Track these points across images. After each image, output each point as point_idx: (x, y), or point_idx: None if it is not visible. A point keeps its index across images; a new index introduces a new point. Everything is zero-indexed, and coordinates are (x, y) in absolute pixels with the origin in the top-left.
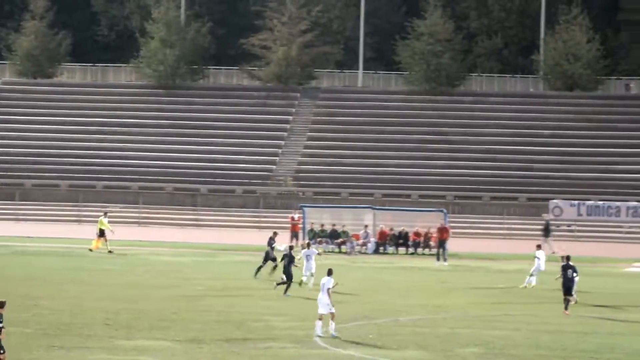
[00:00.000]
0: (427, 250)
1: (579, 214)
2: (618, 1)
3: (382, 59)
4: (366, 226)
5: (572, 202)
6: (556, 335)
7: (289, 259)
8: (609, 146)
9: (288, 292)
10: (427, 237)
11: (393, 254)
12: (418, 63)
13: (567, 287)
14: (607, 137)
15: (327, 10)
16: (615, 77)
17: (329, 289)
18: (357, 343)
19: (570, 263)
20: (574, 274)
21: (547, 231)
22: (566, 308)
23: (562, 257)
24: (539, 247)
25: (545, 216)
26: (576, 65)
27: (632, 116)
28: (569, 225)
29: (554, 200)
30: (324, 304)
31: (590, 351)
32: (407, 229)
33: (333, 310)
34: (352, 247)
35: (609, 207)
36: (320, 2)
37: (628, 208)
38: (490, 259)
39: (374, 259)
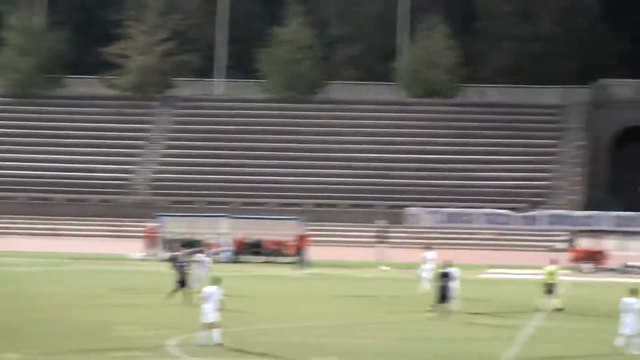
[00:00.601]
0: (282, 259)
1: (437, 222)
2: (476, 9)
3: (243, 67)
4: (221, 234)
5: (430, 209)
6: (416, 343)
7: (180, 264)
8: (466, 153)
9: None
10: (283, 245)
11: (248, 262)
12: (277, 70)
13: (442, 294)
14: (465, 145)
15: (187, 17)
16: (473, 85)
17: (217, 299)
18: (208, 353)
19: (449, 270)
20: (450, 282)
21: (381, 238)
22: (434, 312)
23: (443, 264)
24: (427, 248)
25: (379, 223)
26: (435, 72)
27: (489, 123)
28: (426, 233)
29: (412, 208)
30: (209, 313)
31: (447, 357)
32: (262, 237)
33: (216, 320)
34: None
35: (465, 214)
36: (180, 10)
37: (483, 215)
38: (349, 266)
39: (229, 267)
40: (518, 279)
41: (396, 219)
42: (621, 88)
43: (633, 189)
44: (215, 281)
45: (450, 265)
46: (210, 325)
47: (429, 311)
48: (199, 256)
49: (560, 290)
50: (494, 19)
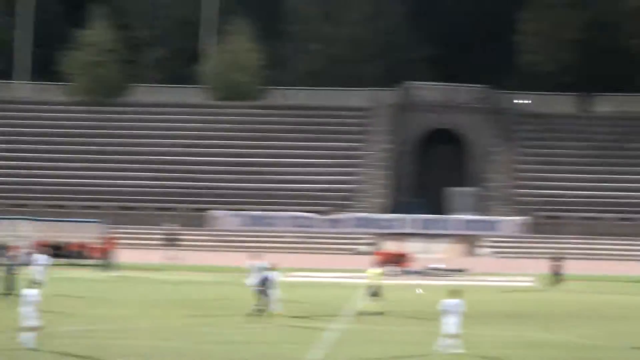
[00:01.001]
0: (85, 261)
1: (240, 224)
2: (281, 12)
3: (45, 69)
4: (21, 237)
5: (234, 212)
6: (220, 346)
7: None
8: (271, 156)
9: None
10: (86, 247)
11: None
12: (81, 73)
13: (260, 298)
14: (269, 147)
15: None
16: (278, 87)
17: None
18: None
19: (270, 274)
20: (271, 285)
21: (171, 241)
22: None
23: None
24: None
25: (167, 226)
26: (240, 75)
27: (294, 126)
28: (230, 236)
29: (216, 211)
30: (31, 316)
31: None
32: (65, 240)
33: (36, 323)
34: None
35: (270, 217)
36: None
37: (287, 218)
38: (155, 269)
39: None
40: (323, 282)
41: (201, 222)
42: (426, 91)
43: (437, 191)
44: (36, 284)
45: (273, 269)
46: (32, 329)
47: (250, 315)
48: (36, 257)
49: (382, 293)
50: (299, 21)
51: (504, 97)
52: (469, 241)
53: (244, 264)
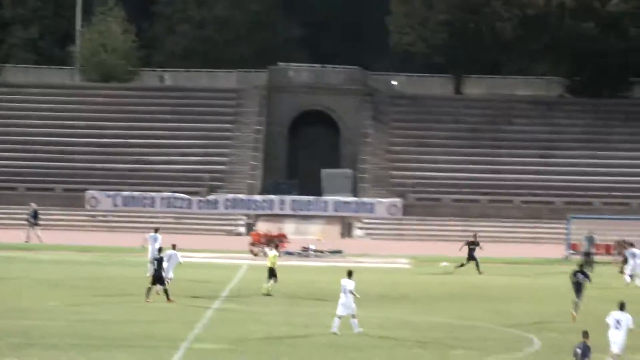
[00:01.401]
0: None
1: (115, 205)
2: None
3: None
4: None
5: (108, 192)
6: (97, 325)
7: None
8: (144, 137)
9: None
10: None
11: None
12: None
13: (158, 277)
14: (142, 129)
15: None
16: (149, 69)
17: None
18: None
19: (169, 253)
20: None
21: (34, 218)
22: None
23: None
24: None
25: (33, 205)
26: (112, 56)
27: (166, 107)
28: (104, 216)
29: (91, 191)
30: None
31: (127, 339)
32: None
33: None
34: None
35: (144, 197)
36: None
37: (162, 199)
38: (28, 249)
39: None
40: (202, 263)
41: (77, 203)
42: (298, 72)
43: (310, 172)
44: None
45: (174, 248)
46: None
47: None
48: None
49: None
50: (169, 3)
51: (377, 79)
52: (344, 223)
53: (144, 242)
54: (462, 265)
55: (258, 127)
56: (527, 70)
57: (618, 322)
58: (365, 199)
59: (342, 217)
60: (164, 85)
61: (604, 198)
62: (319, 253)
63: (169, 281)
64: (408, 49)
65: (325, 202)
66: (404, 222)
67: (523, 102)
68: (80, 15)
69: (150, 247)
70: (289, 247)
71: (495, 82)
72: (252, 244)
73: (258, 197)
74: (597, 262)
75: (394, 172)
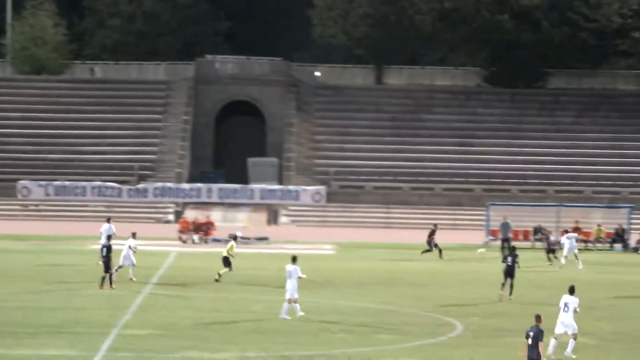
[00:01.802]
0: None
1: (47, 194)
2: None
3: None
4: None
5: (40, 182)
6: (28, 311)
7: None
8: (75, 128)
9: None
10: None
11: None
12: None
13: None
14: (73, 120)
15: None
16: (80, 62)
17: None
18: None
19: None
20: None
21: None
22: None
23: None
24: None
25: None
26: (43, 49)
27: (97, 99)
28: (36, 205)
29: (23, 181)
30: None
31: (55, 325)
32: None
33: None
34: None
35: (76, 187)
36: None
37: (93, 188)
38: None
39: None
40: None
41: (8, 192)
42: (223, 64)
43: (237, 161)
44: None
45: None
46: None
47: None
48: None
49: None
50: None
51: (300, 70)
52: (270, 210)
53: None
54: (429, 251)
55: (186, 118)
56: (446, 61)
57: (566, 305)
58: (291, 187)
59: (268, 205)
60: (94, 78)
61: (520, 185)
62: (245, 240)
63: (117, 269)
64: (330, 41)
65: (252, 190)
66: (328, 209)
67: (442, 91)
68: (11, 8)
69: (103, 237)
70: (216, 234)
71: (415, 73)
72: (181, 232)
73: (186, 186)
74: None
75: (318, 161)
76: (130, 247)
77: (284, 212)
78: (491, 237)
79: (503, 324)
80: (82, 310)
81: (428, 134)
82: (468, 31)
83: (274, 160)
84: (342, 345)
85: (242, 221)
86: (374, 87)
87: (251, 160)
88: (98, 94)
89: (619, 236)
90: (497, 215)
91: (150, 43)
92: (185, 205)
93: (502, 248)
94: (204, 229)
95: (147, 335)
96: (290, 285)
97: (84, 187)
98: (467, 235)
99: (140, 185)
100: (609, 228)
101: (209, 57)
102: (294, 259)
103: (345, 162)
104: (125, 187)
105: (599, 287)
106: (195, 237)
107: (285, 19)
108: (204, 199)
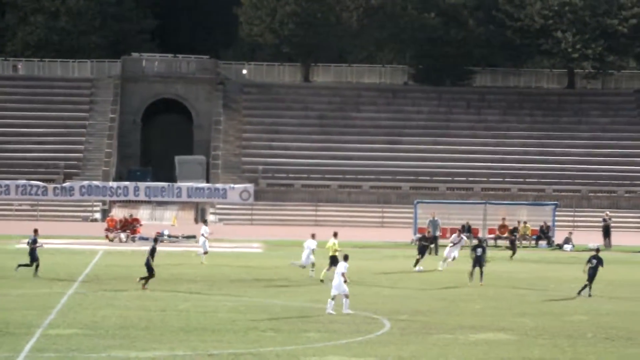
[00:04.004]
0: None
1: None
2: None
3: None
4: None
5: None
6: None
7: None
8: (0, 126)
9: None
10: None
11: None
12: None
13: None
14: None
15: None
16: (3, 58)
17: None
18: None
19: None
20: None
21: None
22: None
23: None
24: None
25: None
26: None
27: (21, 96)
28: None
29: None
30: None
31: None
32: None
33: None
34: None
35: (1, 185)
36: None
37: (17, 186)
38: None
39: None
40: (55, 249)
41: None
42: (150, 62)
43: (164, 159)
44: None
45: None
46: None
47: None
48: None
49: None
50: None
51: (227, 68)
52: (197, 208)
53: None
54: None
55: (112, 116)
56: (373, 59)
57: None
58: (218, 185)
59: (196, 203)
60: (17, 75)
61: (448, 183)
62: (173, 238)
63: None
64: (257, 39)
65: (179, 188)
66: (256, 207)
67: (369, 89)
68: None
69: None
70: (143, 232)
71: (342, 71)
72: (108, 230)
73: (113, 184)
74: (442, 246)
75: (246, 159)
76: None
77: (211, 210)
78: (419, 235)
79: (431, 321)
80: (7, 311)
81: (356, 131)
82: (395, 29)
83: (201, 158)
84: (271, 344)
85: (170, 219)
86: (301, 85)
87: (178, 159)
88: (22, 91)
89: (544, 233)
90: (425, 213)
91: (75, 40)
92: (112, 203)
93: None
94: (130, 227)
95: (73, 335)
96: (337, 282)
97: (7, 186)
98: (395, 233)
99: (67, 184)
100: (535, 225)
101: (135, 55)
102: (345, 258)
103: (273, 160)
104: (51, 186)
105: (522, 284)
106: (122, 235)
107: (213, 17)
108: (131, 197)
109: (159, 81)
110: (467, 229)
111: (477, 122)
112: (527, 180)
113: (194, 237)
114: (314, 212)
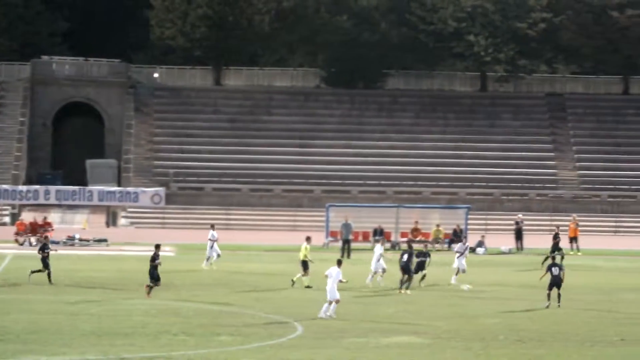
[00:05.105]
0: None
1: None
2: None
3: None
4: None
5: None
6: None
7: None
8: None
9: None
10: None
11: None
12: None
13: None
14: None
15: None
16: None
17: None
18: None
19: None
20: None
21: None
22: None
23: None
24: None
25: None
26: None
27: None
28: None
29: None
30: None
31: None
32: None
33: None
34: None
35: None
36: None
37: None
38: None
39: None
40: None
41: None
42: (61, 65)
43: (75, 162)
44: None
45: None
46: None
47: None
48: None
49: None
50: None
51: (139, 71)
52: (109, 212)
53: None
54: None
55: (22, 119)
56: (285, 62)
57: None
58: (129, 189)
59: (107, 207)
60: None
61: (360, 186)
62: (84, 242)
63: None
64: (169, 43)
65: (90, 191)
66: (168, 210)
67: (281, 92)
68: None
69: None
70: (54, 236)
71: (254, 74)
72: (17, 234)
73: (23, 188)
74: (355, 249)
75: (157, 162)
76: None
77: (123, 213)
78: (331, 239)
79: (344, 325)
80: None
81: (267, 135)
82: (307, 32)
83: (112, 161)
84: (182, 347)
85: (81, 223)
86: (212, 88)
87: (89, 162)
88: None
89: (457, 236)
90: (337, 216)
91: None
92: (22, 207)
93: (343, 249)
94: (41, 230)
95: None
96: (330, 287)
97: None
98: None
99: None
100: (447, 228)
101: (45, 57)
102: (338, 263)
103: (185, 164)
104: None
105: (435, 287)
106: (33, 239)
107: (124, 20)
108: (41, 200)
109: (70, 84)
110: (379, 233)
111: (390, 125)
112: (440, 183)
113: (105, 240)
114: (225, 216)
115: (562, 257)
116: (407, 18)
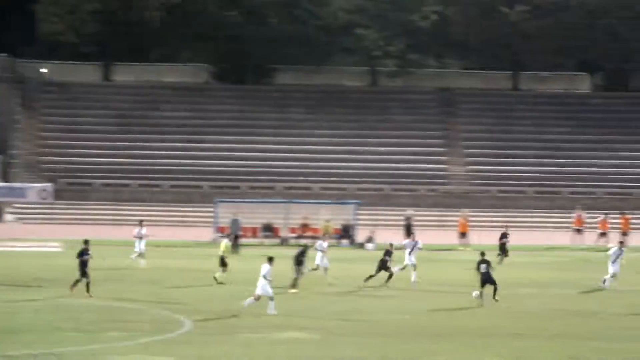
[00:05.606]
0: None
1: None
2: None
3: None
4: None
5: None
6: None
7: None
8: None
9: None
10: None
11: None
12: None
13: None
14: None
15: None
16: None
17: None
18: None
19: None
20: None
21: None
22: None
23: None
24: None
25: None
26: None
27: None
28: None
29: None
30: None
31: None
32: None
33: None
34: None
35: None
36: None
37: None
38: None
39: None
40: None
41: None
42: None
43: None
44: None
45: None
46: None
47: None
48: None
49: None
50: None
51: (26, 66)
52: None
53: None
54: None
55: None
56: (174, 57)
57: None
58: (16, 184)
59: None
60: None
61: (250, 182)
62: None
63: None
64: (57, 37)
65: None
66: (56, 206)
67: (170, 88)
68: None
69: None
70: None
71: (143, 69)
72: None
73: None
74: (243, 245)
75: (45, 158)
76: None
77: (9, 209)
78: (220, 234)
79: (235, 321)
80: None
81: (157, 131)
82: (196, 27)
83: None
84: (72, 344)
85: None
86: (102, 84)
87: None
88: None
89: (346, 232)
90: (227, 212)
91: None
92: None
93: (233, 245)
94: None
95: None
96: (262, 283)
97: None
98: (197, 232)
99: None
100: (337, 224)
101: None
102: (270, 260)
103: (73, 159)
104: None
105: (323, 283)
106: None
107: (11, 13)
108: None
109: None
110: (268, 228)
111: (280, 120)
112: (330, 179)
113: None
114: (114, 211)
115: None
116: (296, 13)
